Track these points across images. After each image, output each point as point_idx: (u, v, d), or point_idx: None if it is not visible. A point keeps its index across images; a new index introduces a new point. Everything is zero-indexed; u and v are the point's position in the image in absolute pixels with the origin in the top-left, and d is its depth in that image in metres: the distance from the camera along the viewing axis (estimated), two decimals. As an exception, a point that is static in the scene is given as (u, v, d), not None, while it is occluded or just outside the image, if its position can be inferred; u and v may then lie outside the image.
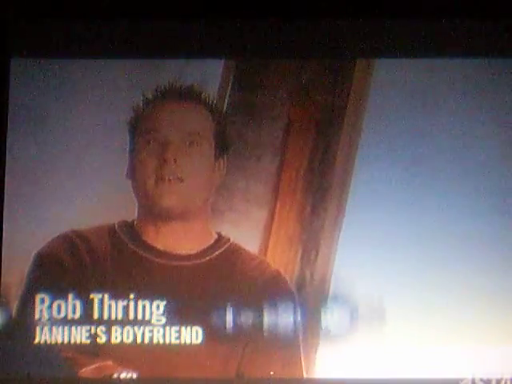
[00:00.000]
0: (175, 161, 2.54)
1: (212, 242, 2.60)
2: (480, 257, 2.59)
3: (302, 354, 2.54)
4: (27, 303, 2.55)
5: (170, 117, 2.60)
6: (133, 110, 2.63)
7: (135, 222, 2.61)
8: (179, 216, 2.56)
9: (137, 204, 2.61)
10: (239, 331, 2.54)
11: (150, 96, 2.63)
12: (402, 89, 2.66)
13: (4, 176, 2.65)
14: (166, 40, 2.69)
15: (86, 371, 2.51)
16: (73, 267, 2.56)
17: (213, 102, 2.63)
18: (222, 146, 2.61)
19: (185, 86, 2.62)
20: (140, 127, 2.61)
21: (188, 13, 2.68)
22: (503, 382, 2.51)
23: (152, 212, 2.58)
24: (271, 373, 2.52)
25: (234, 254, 2.59)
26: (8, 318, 2.56)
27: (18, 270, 2.57)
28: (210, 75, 2.67)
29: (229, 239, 2.60)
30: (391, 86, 2.66)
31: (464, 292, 2.57)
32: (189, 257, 2.58)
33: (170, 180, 2.54)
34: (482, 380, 2.51)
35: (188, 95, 2.61)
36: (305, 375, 2.54)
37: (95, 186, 2.65)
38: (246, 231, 2.63)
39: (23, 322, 2.55)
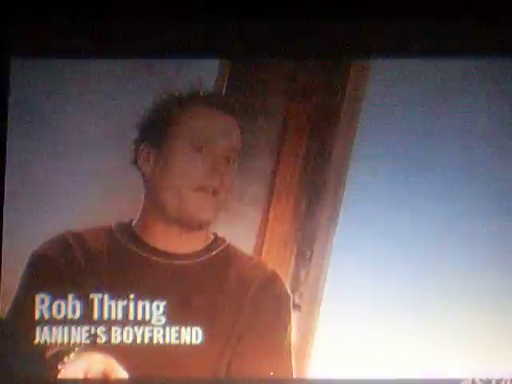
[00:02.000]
0: (222, 176, 2.47)
1: (209, 242, 2.53)
2: (480, 256, 2.50)
3: (296, 355, 2.47)
4: (24, 304, 2.48)
5: (217, 129, 2.50)
6: (161, 107, 2.53)
7: (133, 223, 2.53)
8: (203, 225, 2.50)
9: (142, 204, 2.52)
10: (235, 331, 2.47)
11: (185, 98, 2.53)
12: (399, 89, 2.56)
13: (4, 176, 2.58)
14: (162, 40, 2.61)
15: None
16: (68, 268, 2.48)
17: (242, 116, 2.55)
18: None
19: (222, 95, 2.56)
20: (180, 130, 2.50)
21: (183, 13, 2.59)
22: (503, 382, 2.43)
23: (173, 216, 2.48)
24: (271, 373, 2.46)
25: (230, 254, 2.52)
26: (7, 319, 2.49)
27: (18, 270, 2.50)
28: (205, 75, 2.57)
29: (225, 240, 2.53)
30: (388, 86, 2.56)
31: (464, 292, 2.49)
32: (187, 256, 2.51)
33: (209, 192, 2.47)
34: (481, 380, 2.43)
35: (227, 107, 2.53)
36: (295, 376, 2.47)
37: (96, 186, 2.58)
38: (240, 231, 2.56)
39: (21, 323, 2.49)
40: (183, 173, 2.47)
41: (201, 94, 2.52)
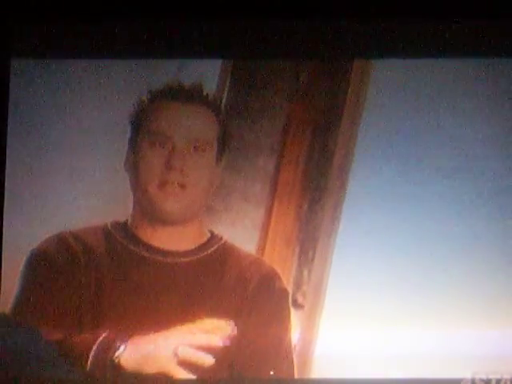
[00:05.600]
0: (182, 169, 2.36)
1: (205, 239, 2.43)
2: (480, 257, 2.41)
3: (298, 354, 2.38)
4: (23, 302, 2.37)
5: (177, 120, 2.40)
6: (137, 104, 2.43)
7: (129, 221, 2.43)
8: (178, 219, 2.38)
9: (132, 201, 2.42)
10: (237, 329, 2.36)
11: (156, 93, 2.43)
12: (400, 89, 2.47)
13: (4, 176, 2.49)
14: (164, 40, 2.51)
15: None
16: (68, 265, 2.38)
17: (219, 104, 2.44)
18: (223, 149, 2.43)
19: (193, 86, 2.42)
20: (145, 126, 2.41)
21: (186, 13, 2.49)
22: (503, 381, 2.35)
23: (150, 212, 2.39)
24: (271, 372, 2.35)
25: (227, 251, 2.42)
26: (8, 317, 2.39)
27: (18, 269, 2.40)
28: (207, 75, 2.48)
29: (221, 237, 2.43)
30: (389, 86, 2.47)
31: (466, 292, 2.41)
32: (184, 253, 2.41)
33: (173, 185, 2.36)
34: (481, 380, 2.34)
35: (196, 96, 2.41)
36: (296, 375, 2.37)
37: (95, 186, 2.48)
38: (243, 230, 2.47)
39: (21, 320, 2.37)
40: (145, 169, 2.39)
41: (172, 87, 2.43)
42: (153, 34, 2.51)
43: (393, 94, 2.47)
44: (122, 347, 2.27)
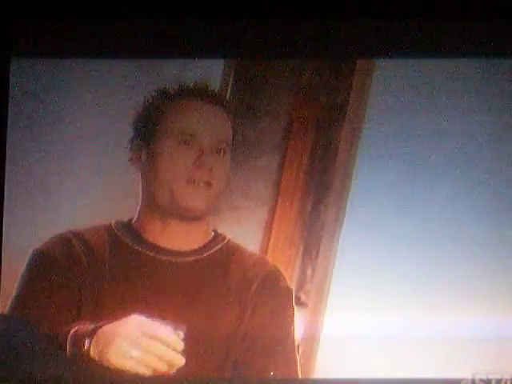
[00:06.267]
0: (210, 169, 2.35)
1: (209, 239, 2.41)
2: (482, 257, 2.41)
3: (302, 354, 2.37)
4: (22, 302, 2.34)
5: (202, 120, 2.39)
6: (149, 103, 2.41)
7: (133, 220, 2.41)
8: (198, 216, 2.38)
9: (140, 200, 2.40)
10: (240, 328, 2.35)
11: (173, 92, 2.41)
12: (403, 89, 2.47)
13: (4, 176, 2.47)
14: (166, 40, 2.50)
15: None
16: (69, 265, 2.35)
17: (232, 107, 2.45)
18: (233, 151, 2.43)
19: (211, 87, 2.42)
20: (167, 125, 2.39)
21: (188, 13, 2.48)
22: (503, 381, 2.34)
23: (168, 210, 2.37)
24: (271, 373, 2.33)
25: (231, 251, 2.40)
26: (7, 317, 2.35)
27: (18, 270, 2.37)
28: (210, 75, 2.47)
29: (225, 237, 2.42)
30: (392, 86, 2.47)
31: (466, 291, 2.40)
32: (188, 253, 2.39)
33: (200, 184, 2.35)
34: (481, 380, 2.33)
35: (215, 98, 2.41)
36: (300, 375, 2.35)
37: (96, 185, 2.47)
38: (246, 229, 2.46)
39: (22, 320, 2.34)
40: (172, 167, 2.36)
41: (189, 86, 2.42)
42: (153, 33, 2.50)
43: (396, 93, 2.47)
44: (88, 339, 2.22)
